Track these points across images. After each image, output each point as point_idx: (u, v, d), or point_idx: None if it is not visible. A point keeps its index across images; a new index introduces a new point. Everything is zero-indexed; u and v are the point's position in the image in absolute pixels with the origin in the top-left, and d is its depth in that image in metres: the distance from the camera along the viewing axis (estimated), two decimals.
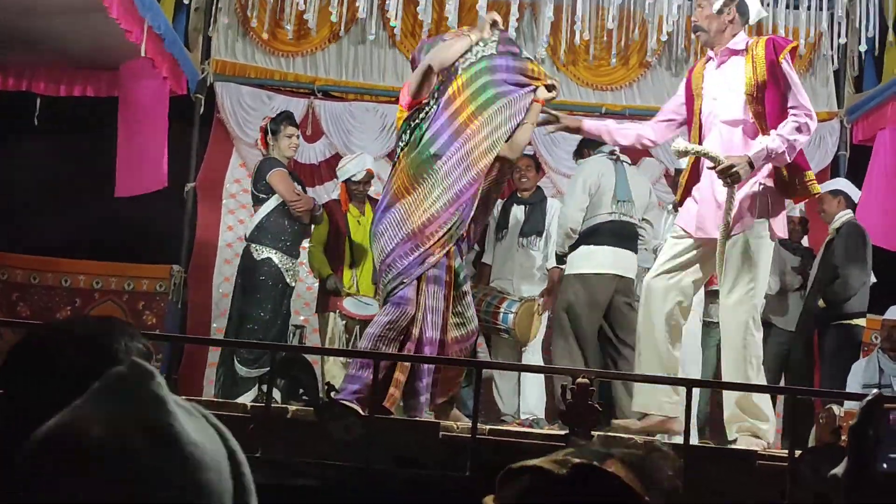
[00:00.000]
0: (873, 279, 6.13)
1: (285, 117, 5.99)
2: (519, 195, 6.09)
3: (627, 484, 0.98)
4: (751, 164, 3.85)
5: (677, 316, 4.12)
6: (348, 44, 7.74)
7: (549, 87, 4.38)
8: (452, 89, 4.24)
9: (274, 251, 5.72)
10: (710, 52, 4.21)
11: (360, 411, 3.76)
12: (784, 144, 3.87)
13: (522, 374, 5.77)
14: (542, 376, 5.75)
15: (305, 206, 5.76)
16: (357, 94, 7.78)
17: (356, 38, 7.73)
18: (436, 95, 4.24)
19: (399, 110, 4.34)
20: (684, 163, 4.42)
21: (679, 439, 3.74)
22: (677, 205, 4.58)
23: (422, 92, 4.22)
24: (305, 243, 6.07)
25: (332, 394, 3.84)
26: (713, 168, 3.89)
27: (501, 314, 5.45)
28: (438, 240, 4.14)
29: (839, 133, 7.58)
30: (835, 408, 4.47)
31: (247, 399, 5.32)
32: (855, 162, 7.41)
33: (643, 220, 5.71)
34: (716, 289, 4.65)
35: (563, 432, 3.64)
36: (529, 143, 5.66)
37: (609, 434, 3.79)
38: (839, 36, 7.29)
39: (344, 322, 5.82)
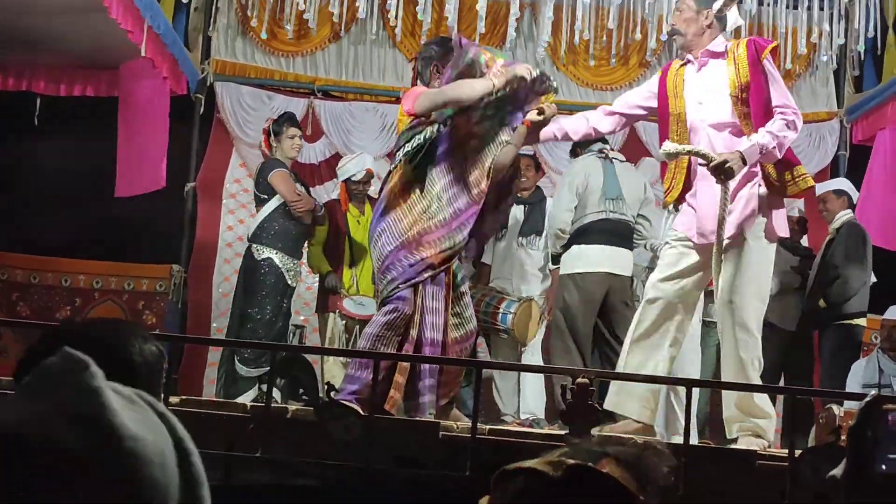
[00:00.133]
0: (873, 279, 6.14)
1: (287, 118, 6.01)
2: (518, 195, 6.08)
3: (622, 484, 0.98)
4: (743, 160, 3.85)
5: (679, 326, 4.12)
6: (348, 44, 7.74)
7: (539, 111, 4.33)
8: (463, 124, 4.20)
9: (274, 251, 5.74)
10: (687, 56, 4.20)
11: (360, 411, 3.76)
12: (774, 141, 3.89)
13: (522, 374, 5.77)
14: (541, 376, 5.76)
15: (305, 206, 5.77)
16: (357, 93, 7.78)
17: (356, 38, 7.73)
18: (446, 122, 4.20)
19: (401, 112, 4.31)
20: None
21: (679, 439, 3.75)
22: (665, 206, 4.60)
23: (430, 115, 4.20)
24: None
25: (332, 394, 3.83)
26: (705, 166, 3.89)
27: (500, 314, 5.45)
28: (441, 252, 4.12)
29: (839, 133, 7.59)
30: (834, 408, 4.47)
31: (247, 399, 5.33)
32: (855, 162, 7.41)
33: (639, 216, 5.69)
34: (712, 289, 4.64)
35: (563, 432, 3.65)
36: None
37: (605, 433, 3.80)
38: (839, 36, 7.30)
39: (344, 322, 5.83)
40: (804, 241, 6.78)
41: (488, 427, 3.98)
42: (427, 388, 4.11)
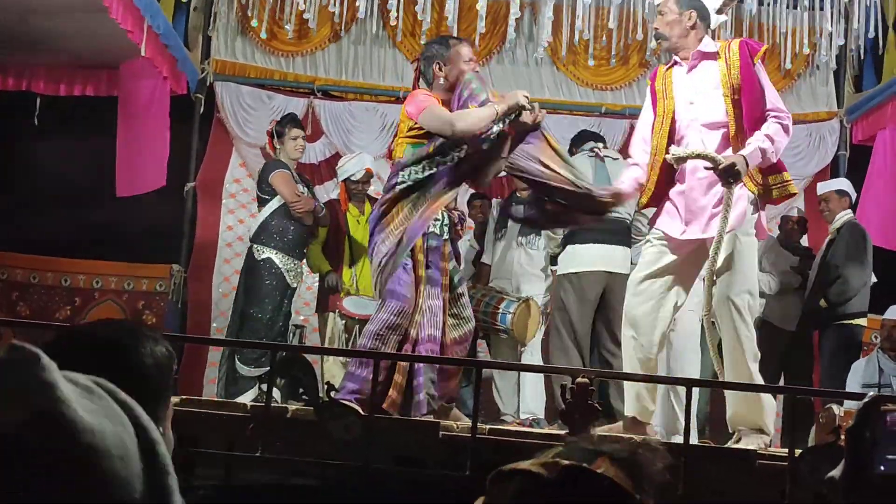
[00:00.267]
0: (873, 279, 6.14)
1: (290, 120, 6.04)
2: (518, 194, 6.09)
3: (618, 484, 0.98)
4: (746, 163, 3.87)
5: (663, 322, 4.11)
6: (348, 43, 7.75)
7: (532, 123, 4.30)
8: (467, 156, 4.22)
9: (275, 251, 5.75)
10: (675, 57, 4.19)
11: (360, 411, 3.76)
12: (773, 145, 3.90)
13: (522, 373, 5.78)
14: (541, 376, 5.76)
15: (305, 207, 5.78)
16: (357, 93, 7.79)
17: (356, 38, 7.73)
18: (454, 159, 4.20)
19: (403, 113, 4.30)
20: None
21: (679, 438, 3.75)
22: (640, 208, 4.59)
23: (430, 134, 4.20)
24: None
25: (332, 393, 3.84)
26: (711, 169, 3.89)
27: (499, 314, 5.46)
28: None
29: (839, 133, 7.59)
30: (834, 407, 4.47)
31: (247, 398, 5.34)
32: (855, 162, 7.41)
33: (637, 212, 5.69)
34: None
35: (562, 432, 3.65)
36: None
37: (600, 432, 3.80)
38: (839, 36, 7.30)
39: (343, 322, 5.83)
40: (804, 241, 6.79)
41: (488, 427, 3.98)
42: (422, 385, 4.11)
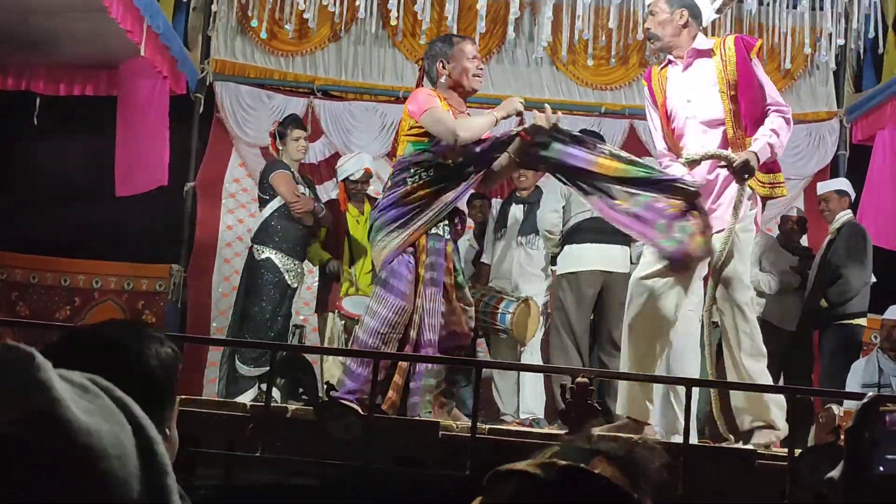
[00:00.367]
0: (873, 279, 6.14)
1: (291, 121, 6.05)
2: (517, 194, 6.10)
3: (615, 484, 0.98)
4: (758, 158, 3.87)
5: (668, 321, 4.11)
6: (348, 43, 7.74)
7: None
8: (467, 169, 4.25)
9: (274, 251, 5.76)
10: (668, 57, 4.18)
11: (360, 411, 3.76)
12: (778, 139, 3.92)
13: (521, 373, 5.78)
14: (541, 376, 5.77)
15: (304, 207, 5.79)
16: (357, 93, 7.79)
17: (356, 38, 7.73)
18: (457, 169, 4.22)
19: (405, 112, 4.30)
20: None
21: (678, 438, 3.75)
22: None
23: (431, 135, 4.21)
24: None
25: (332, 393, 3.84)
26: (726, 167, 3.90)
27: (499, 314, 5.46)
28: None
29: (839, 132, 7.59)
30: (834, 407, 4.47)
31: (247, 398, 5.34)
32: (854, 161, 7.41)
33: None
34: None
35: (562, 432, 3.65)
36: None
37: (599, 432, 3.80)
38: (839, 36, 7.30)
39: (343, 322, 5.83)
40: (804, 241, 6.79)
41: (488, 427, 3.98)
42: (419, 389, 4.11)
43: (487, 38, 7.56)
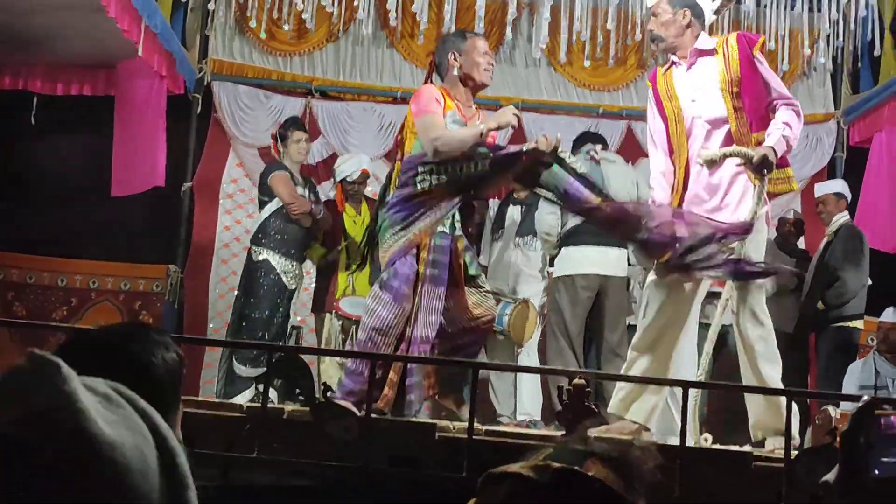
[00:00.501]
0: (870, 281, 6.15)
1: (292, 123, 6.08)
2: (515, 196, 6.10)
3: (609, 486, 0.98)
4: (775, 153, 3.87)
5: (678, 326, 4.11)
6: (346, 44, 7.74)
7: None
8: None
9: (272, 253, 5.76)
10: (672, 57, 4.19)
11: (357, 412, 3.77)
12: (791, 131, 3.91)
13: (518, 375, 5.78)
14: (538, 377, 5.76)
15: (301, 209, 5.79)
16: (354, 94, 7.78)
17: (354, 38, 7.72)
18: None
19: (409, 111, 4.33)
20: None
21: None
22: None
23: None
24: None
25: (329, 394, 3.84)
26: (745, 164, 3.89)
27: (496, 316, 5.46)
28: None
29: (836, 134, 7.59)
30: (831, 409, 4.47)
31: (244, 399, 5.34)
32: (851, 164, 7.42)
33: None
34: (714, 290, 4.65)
35: (559, 433, 3.65)
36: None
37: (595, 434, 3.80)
38: (836, 37, 7.31)
39: (340, 322, 5.83)
40: (801, 243, 6.79)
41: (485, 428, 3.98)
42: (414, 385, 4.12)
43: (486, 39, 7.56)
